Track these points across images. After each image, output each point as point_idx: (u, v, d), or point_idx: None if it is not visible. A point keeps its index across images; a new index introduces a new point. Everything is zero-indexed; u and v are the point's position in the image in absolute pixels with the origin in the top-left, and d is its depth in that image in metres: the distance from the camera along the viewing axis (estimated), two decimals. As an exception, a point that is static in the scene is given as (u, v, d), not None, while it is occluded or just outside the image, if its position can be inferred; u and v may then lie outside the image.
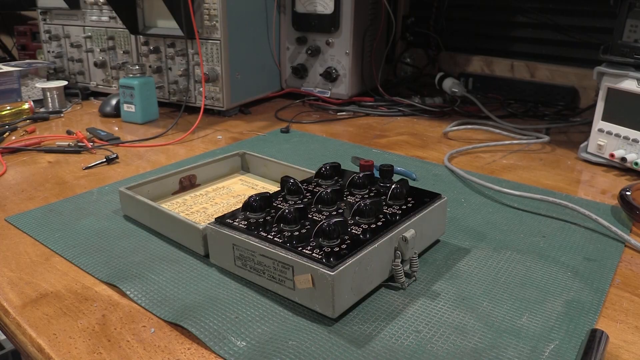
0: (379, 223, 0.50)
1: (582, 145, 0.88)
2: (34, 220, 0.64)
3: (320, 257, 0.44)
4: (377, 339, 0.43)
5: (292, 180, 0.57)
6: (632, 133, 0.80)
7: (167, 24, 1.10)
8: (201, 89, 1.10)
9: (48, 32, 1.30)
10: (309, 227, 0.50)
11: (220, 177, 0.76)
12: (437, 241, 0.60)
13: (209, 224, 0.52)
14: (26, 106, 1.08)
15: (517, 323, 0.45)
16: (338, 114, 1.16)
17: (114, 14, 1.15)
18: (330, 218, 0.48)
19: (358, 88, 1.23)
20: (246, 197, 0.53)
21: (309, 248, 0.46)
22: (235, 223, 0.51)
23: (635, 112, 0.79)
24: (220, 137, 0.98)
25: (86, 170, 0.81)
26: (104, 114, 1.11)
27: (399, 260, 0.50)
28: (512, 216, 0.66)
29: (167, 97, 1.15)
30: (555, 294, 0.50)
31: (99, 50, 1.23)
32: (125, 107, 1.06)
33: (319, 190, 0.56)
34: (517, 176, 0.80)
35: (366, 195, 0.57)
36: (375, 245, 0.47)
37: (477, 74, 1.36)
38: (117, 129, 1.03)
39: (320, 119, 1.11)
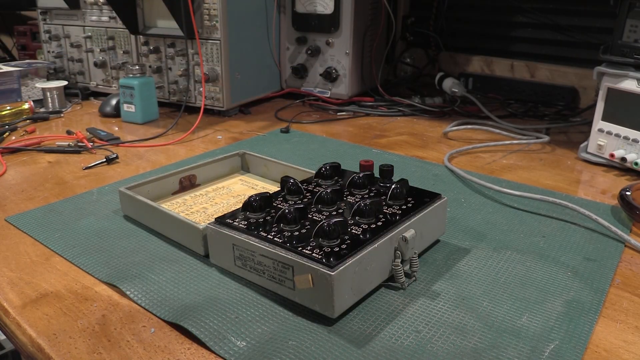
0: (379, 223, 0.50)
1: (582, 145, 0.88)
2: (34, 220, 0.64)
3: (320, 257, 0.44)
4: (377, 339, 0.43)
5: (292, 180, 0.57)
6: (632, 133, 0.80)
7: (167, 24, 1.10)
8: (201, 89, 1.10)
9: (48, 32, 1.30)
10: (309, 227, 0.50)
11: (220, 177, 0.76)
12: (437, 241, 0.60)
13: (209, 224, 0.52)
14: (26, 106, 1.08)
15: (517, 323, 0.45)
16: (338, 114, 1.16)
17: (114, 14, 1.15)
18: (330, 218, 0.48)
19: (358, 88, 1.23)
20: (246, 197, 0.53)
21: (309, 248, 0.46)
22: (235, 223, 0.51)
23: (635, 112, 0.79)
24: (220, 137, 0.98)
25: (86, 170, 0.81)
26: (104, 114, 1.11)
27: (399, 260, 0.50)
28: (512, 216, 0.66)
29: (167, 97, 1.15)
30: (555, 294, 0.50)
31: (99, 50, 1.23)
32: (125, 107, 1.06)
33: (319, 190, 0.56)
34: (517, 176, 0.80)
35: (366, 195, 0.57)
36: (375, 245, 0.47)
37: (477, 74, 1.36)
38: (117, 129, 1.03)
39: (320, 119, 1.11)
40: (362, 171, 0.61)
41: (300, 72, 1.22)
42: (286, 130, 1.01)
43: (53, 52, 1.30)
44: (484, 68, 1.36)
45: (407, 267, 0.52)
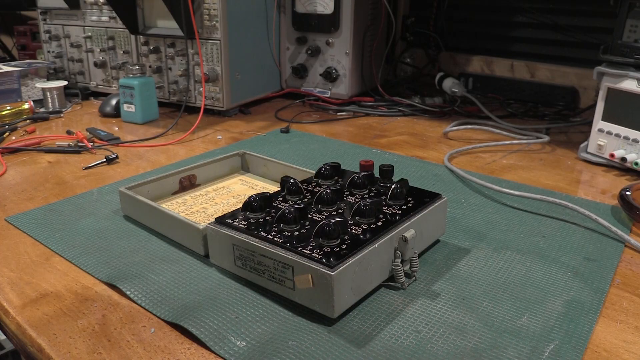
0: (379, 223, 0.50)
1: (582, 145, 0.88)
2: (34, 220, 0.64)
3: (320, 257, 0.44)
4: (377, 339, 0.43)
5: (292, 180, 0.57)
6: (632, 133, 0.80)
7: (167, 24, 1.10)
8: (201, 89, 1.10)
9: (48, 32, 1.30)
10: (309, 227, 0.50)
11: (220, 177, 0.76)
12: (437, 241, 0.60)
13: (209, 224, 0.52)
14: (26, 106, 1.08)
15: (517, 323, 0.46)
16: (338, 114, 1.16)
17: (114, 14, 1.15)
18: (330, 218, 0.48)
19: (358, 88, 1.23)
20: (246, 197, 0.53)
21: (309, 248, 0.46)
22: (235, 223, 0.51)
23: (635, 112, 0.79)
24: (220, 137, 0.98)
25: (86, 170, 0.81)
26: (104, 114, 1.11)
27: (399, 260, 0.50)
28: (512, 216, 0.66)
29: (167, 97, 1.15)
30: (555, 294, 0.50)
31: (99, 50, 1.23)
32: (125, 107, 1.06)
33: (319, 190, 0.56)
34: (517, 176, 0.80)
35: (366, 195, 0.57)
36: (375, 245, 0.47)
37: (477, 74, 1.36)
38: (117, 129, 1.03)
39: (320, 119, 1.11)
40: (362, 171, 0.61)
41: (300, 72, 1.22)
42: (286, 130, 1.01)
43: (53, 52, 1.30)
44: (484, 68, 1.36)
45: (407, 267, 0.52)
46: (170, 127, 1.02)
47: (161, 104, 1.12)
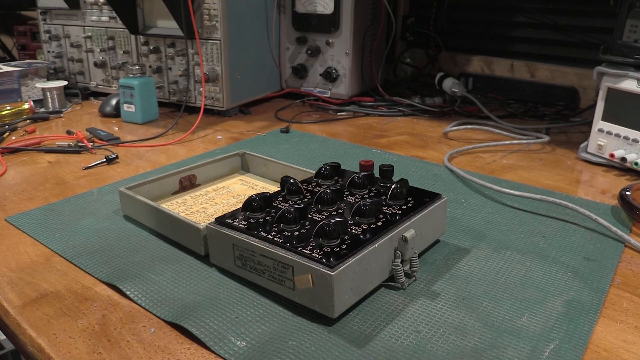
0: (379, 223, 0.50)
1: (582, 145, 0.88)
2: (34, 220, 0.64)
3: (320, 257, 0.44)
4: (377, 339, 0.43)
5: (292, 180, 0.57)
6: (632, 133, 0.80)
7: (167, 24, 1.10)
8: (201, 89, 1.10)
9: (48, 32, 1.30)
10: (309, 227, 0.50)
11: (220, 177, 0.76)
12: (437, 241, 0.60)
13: (209, 224, 0.52)
14: (26, 106, 1.08)
15: (517, 323, 0.46)
16: (338, 114, 1.16)
17: (114, 14, 1.15)
18: (330, 218, 0.48)
19: (358, 88, 1.23)
20: (246, 197, 0.53)
21: (309, 248, 0.46)
22: (235, 223, 0.51)
23: (635, 112, 0.79)
24: (220, 137, 0.98)
25: (86, 170, 0.81)
26: (104, 114, 1.11)
27: (399, 260, 0.50)
28: (512, 216, 0.66)
29: (167, 97, 1.15)
30: (555, 294, 0.50)
31: (99, 50, 1.23)
32: (125, 107, 1.06)
33: (319, 190, 0.56)
34: (517, 176, 0.80)
35: (366, 195, 0.57)
36: (375, 245, 0.47)
37: (477, 74, 1.36)
38: (117, 129, 1.03)
39: (320, 119, 1.11)
40: (362, 171, 0.61)
41: (300, 72, 1.22)
42: (286, 130, 1.01)
43: (53, 52, 1.30)
44: (484, 68, 1.36)
45: (407, 267, 0.52)
46: (170, 127, 1.02)
47: (161, 104, 1.12)
